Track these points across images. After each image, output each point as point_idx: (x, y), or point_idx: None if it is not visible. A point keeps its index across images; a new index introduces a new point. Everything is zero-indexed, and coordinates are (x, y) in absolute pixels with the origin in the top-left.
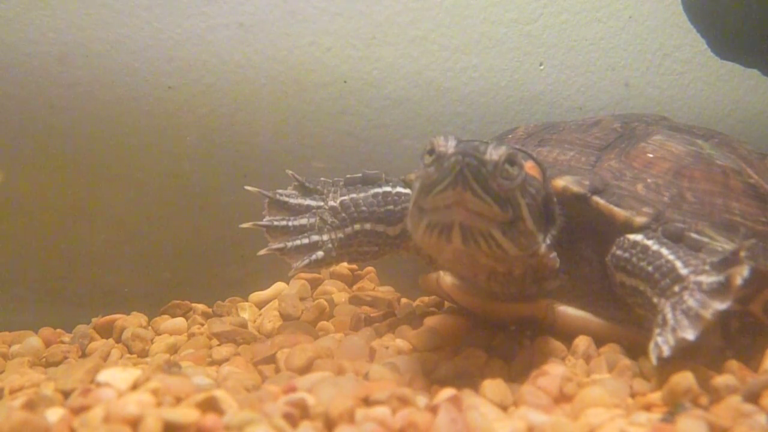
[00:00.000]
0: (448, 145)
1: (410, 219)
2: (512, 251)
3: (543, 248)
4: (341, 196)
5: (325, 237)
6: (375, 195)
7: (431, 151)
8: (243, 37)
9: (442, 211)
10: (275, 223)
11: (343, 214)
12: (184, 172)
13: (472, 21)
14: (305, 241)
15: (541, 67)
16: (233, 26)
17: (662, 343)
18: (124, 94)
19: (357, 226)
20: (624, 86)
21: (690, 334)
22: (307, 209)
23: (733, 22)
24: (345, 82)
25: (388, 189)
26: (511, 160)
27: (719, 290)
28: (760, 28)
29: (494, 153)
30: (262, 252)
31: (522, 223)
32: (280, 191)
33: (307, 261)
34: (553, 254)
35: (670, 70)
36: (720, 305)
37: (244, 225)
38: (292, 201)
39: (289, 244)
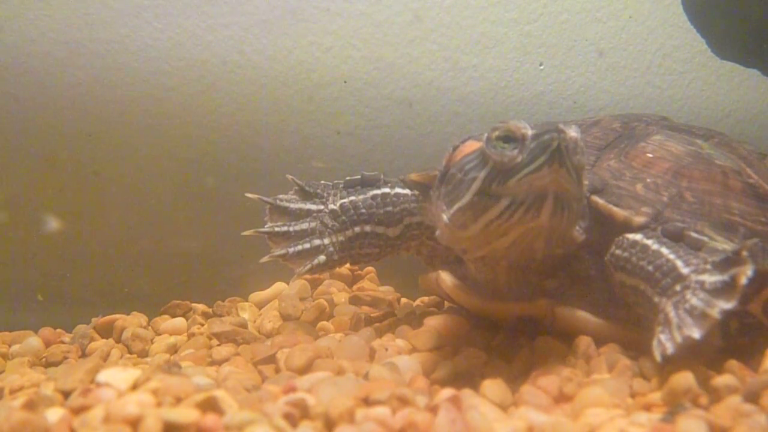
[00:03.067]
0: (527, 126)
1: (464, 211)
2: (572, 229)
3: (578, 234)
4: (341, 198)
5: (327, 241)
6: (374, 197)
7: (508, 138)
8: (243, 37)
9: (530, 189)
10: (276, 229)
11: (344, 217)
12: (183, 172)
13: (472, 21)
14: (307, 245)
15: (541, 67)
16: (233, 26)
17: (666, 341)
18: (124, 94)
19: (357, 229)
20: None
21: (696, 333)
22: (308, 213)
23: (733, 22)
24: (345, 82)
25: (386, 190)
26: (581, 140)
27: (724, 290)
28: (760, 28)
29: (572, 130)
30: (264, 259)
31: (582, 202)
32: (280, 197)
33: (309, 266)
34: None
35: (670, 70)
36: (726, 304)
37: (246, 233)
38: (293, 206)
39: (291, 249)
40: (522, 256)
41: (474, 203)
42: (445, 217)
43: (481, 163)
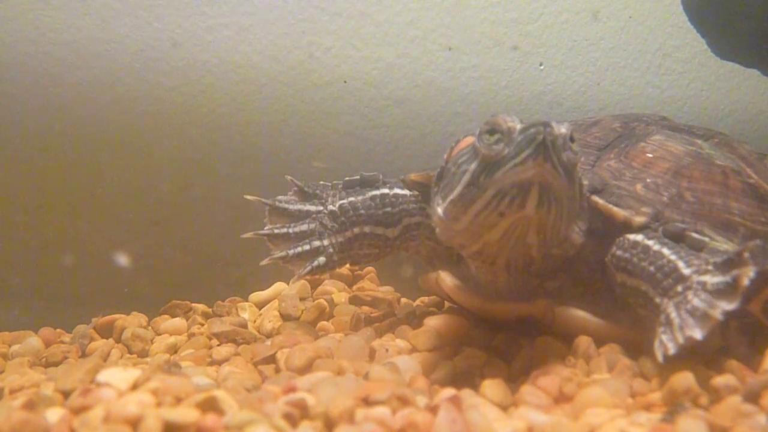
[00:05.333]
0: (515, 120)
1: (456, 203)
2: (564, 227)
3: (577, 236)
4: (340, 199)
5: (326, 242)
6: (373, 198)
7: (493, 130)
8: (243, 37)
9: (514, 181)
10: (276, 231)
11: (343, 218)
12: (183, 172)
13: (472, 21)
14: (306, 247)
15: (541, 67)
16: (233, 26)
17: (668, 341)
18: (124, 94)
19: (356, 230)
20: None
21: (698, 333)
22: (307, 215)
23: (733, 22)
24: (345, 82)
25: (385, 191)
26: (572, 137)
27: (726, 290)
28: (760, 28)
29: (562, 127)
30: (264, 262)
31: (577, 202)
32: (279, 198)
33: (309, 268)
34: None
35: (670, 70)
36: (728, 305)
37: (246, 235)
38: (292, 207)
39: (291, 251)
40: (517, 252)
41: (463, 195)
42: (439, 210)
43: (472, 157)
